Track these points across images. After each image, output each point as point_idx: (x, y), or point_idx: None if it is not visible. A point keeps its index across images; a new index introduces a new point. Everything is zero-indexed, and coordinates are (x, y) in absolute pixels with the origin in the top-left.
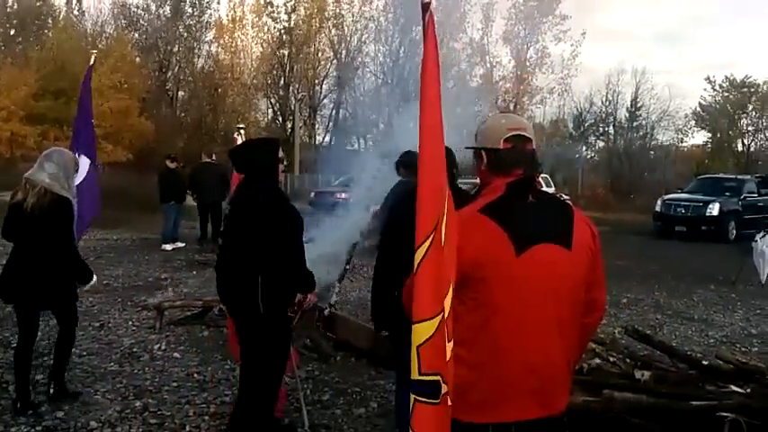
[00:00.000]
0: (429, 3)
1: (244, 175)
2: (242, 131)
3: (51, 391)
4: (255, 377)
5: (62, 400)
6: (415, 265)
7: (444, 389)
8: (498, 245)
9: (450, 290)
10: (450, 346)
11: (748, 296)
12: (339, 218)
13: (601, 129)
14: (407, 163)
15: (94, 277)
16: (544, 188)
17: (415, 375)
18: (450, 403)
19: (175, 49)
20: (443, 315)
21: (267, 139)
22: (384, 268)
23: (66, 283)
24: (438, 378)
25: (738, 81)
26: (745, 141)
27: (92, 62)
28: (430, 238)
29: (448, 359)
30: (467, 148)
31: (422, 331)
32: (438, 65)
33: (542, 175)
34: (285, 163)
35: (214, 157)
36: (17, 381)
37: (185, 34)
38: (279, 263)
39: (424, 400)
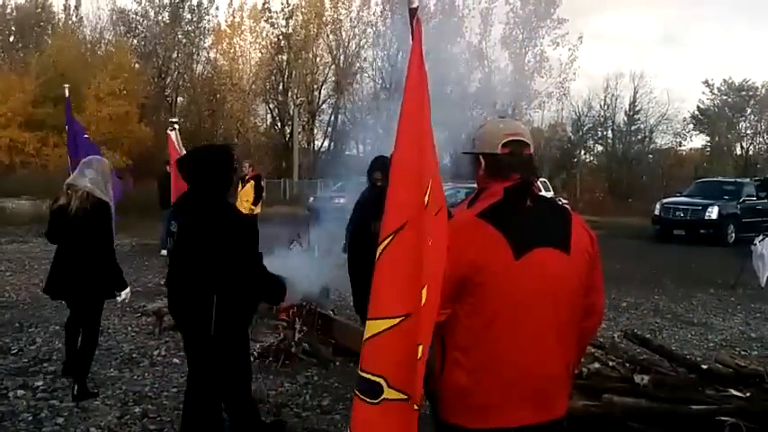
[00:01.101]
0: (416, 8)
1: (191, 184)
2: (176, 126)
3: (75, 391)
4: (201, 398)
5: (85, 399)
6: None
7: (389, 394)
8: (497, 249)
9: (424, 294)
10: (417, 351)
11: (748, 300)
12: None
13: (599, 133)
14: (379, 167)
15: (128, 288)
16: (542, 192)
17: (359, 369)
18: (403, 413)
19: (174, 56)
20: (408, 320)
21: (222, 146)
22: (356, 262)
23: (101, 284)
24: (380, 381)
25: (737, 84)
26: (744, 145)
27: (66, 95)
28: (389, 239)
29: (414, 366)
30: (464, 153)
31: (369, 328)
32: (424, 68)
33: (540, 179)
34: (237, 171)
35: None
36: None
37: (184, 40)
38: (238, 278)
39: (360, 396)
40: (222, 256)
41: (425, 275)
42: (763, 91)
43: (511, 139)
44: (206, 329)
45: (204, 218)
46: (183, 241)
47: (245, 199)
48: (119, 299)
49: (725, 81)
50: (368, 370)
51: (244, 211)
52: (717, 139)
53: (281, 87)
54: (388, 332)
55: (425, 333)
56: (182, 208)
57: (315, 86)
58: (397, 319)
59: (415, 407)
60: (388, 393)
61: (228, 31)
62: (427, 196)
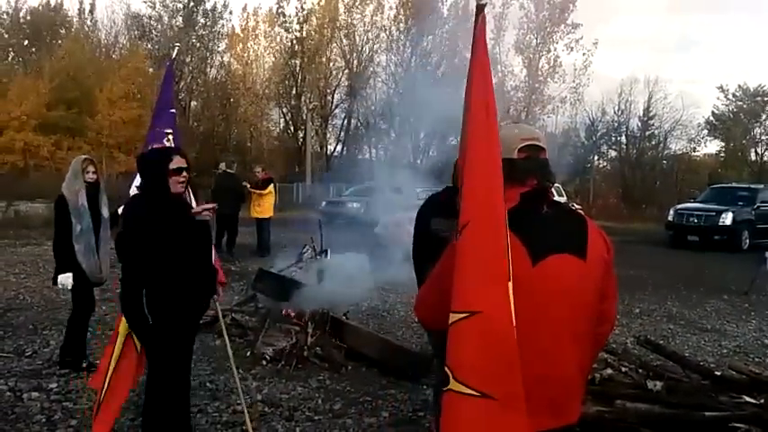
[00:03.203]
0: (484, 4)
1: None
2: (170, 137)
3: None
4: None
5: (65, 367)
6: None
7: (454, 386)
8: (514, 255)
9: (496, 293)
10: (493, 349)
11: (762, 306)
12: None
13: (613, 138)
14: None
15: (60, 278)
16: (556, 197)
17: None
18: (472, 409)
19: (188, 60)
20: (475, 317)
21: (159, 150)
22: (418, 262)
23: (57, 269)
24: (448, 372)
25: (752, 90)
26: (759, 150)
27: (174, 55)
28: (457, 235)
29: (490, 364)
30: None
31: (449, 319)
32: (489, 65)
33: (554, 185)
34: (185, 175)
35: (235, 167)
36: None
37: (198, 44)
38: (165, 275)
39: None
40: (149, 254)
41: (495, 274)
42: None
43: (527, 143)
44: (143, 321)
45: (131, 219)
46: (122, 242)
47: (256, 203)
48: (60, 281)
49: (740, 86)
50: (446, 358)
51: (255, 214)
52: (731, 144)
53: (294, 92)
54: (455, 326)
55: (501, 333)
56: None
57: (328, 91)
58: (462, 315)
59: (504, 405)
60: (454, 385)
61: (242, 35)
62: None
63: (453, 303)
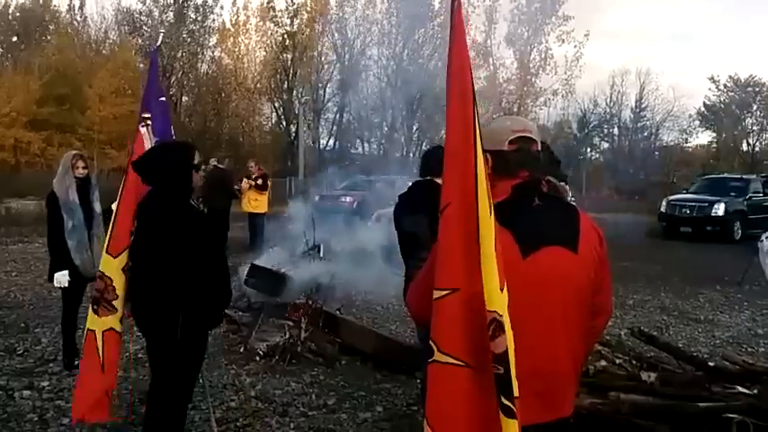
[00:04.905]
0: None
1: (150, 185)
2: (149, 123)
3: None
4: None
5: (69, 369)
6: None
7: (439, 357)
8: (505, 247)
9: (463, 270)
10: (470, 323)
11: (755, 296)
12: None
13: (605, 130)
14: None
15: (56, 275)
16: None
17: None
18: (456, 376)
19: (179, 55)
20: (455, 294)
21: (178, 144)
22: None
23: (51, 267)
24: (432, 345)
25: (743, 80)
26: (750, 141)
27: (159, 42)
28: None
29: (470, 337)
30: None
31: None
32: (467, 54)
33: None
34: (204, 169)
35: (227, 162)
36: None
37: (189, 39)
38: (199, 281)
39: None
40: (183, 258)
41: (469, 255)
42: None
43: (519, 135)
44: (172, 334)
45: (160, 220)
46: (143, 245)
47: (252, 198)
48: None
49: (731, 77)
50: (430, 332)
51: (251, 209)
52: (723, 135)
53: (285, 86)
54: (438, 302)
55: (476, 310)
56: (143, 210)
57: (320, 85)
58: (444, 292)
59: (480, 373)
60: (438, 356)
61: (233, 29)
62: (478, 182)
63: (436, 281)
